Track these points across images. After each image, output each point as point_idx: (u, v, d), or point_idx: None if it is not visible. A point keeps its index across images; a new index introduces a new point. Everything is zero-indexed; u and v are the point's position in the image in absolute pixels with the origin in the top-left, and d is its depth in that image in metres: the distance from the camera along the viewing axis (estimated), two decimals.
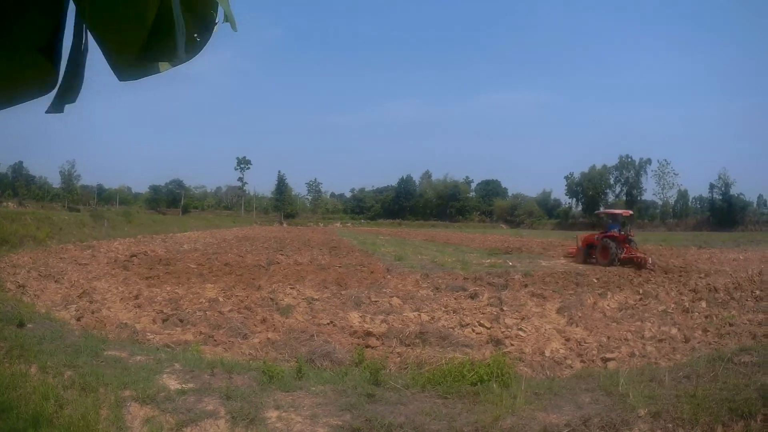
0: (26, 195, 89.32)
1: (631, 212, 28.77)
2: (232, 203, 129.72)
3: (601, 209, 44.68)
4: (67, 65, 1.36)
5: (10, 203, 68.70)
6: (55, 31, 1.31)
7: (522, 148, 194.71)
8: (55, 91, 1.36)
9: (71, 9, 1.30)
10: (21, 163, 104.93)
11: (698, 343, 8.59)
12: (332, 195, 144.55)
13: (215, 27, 1.51)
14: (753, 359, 6.17)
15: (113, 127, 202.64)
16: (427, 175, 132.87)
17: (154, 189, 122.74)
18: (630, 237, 23.54)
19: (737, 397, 4.91)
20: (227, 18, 1.47)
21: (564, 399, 5.53)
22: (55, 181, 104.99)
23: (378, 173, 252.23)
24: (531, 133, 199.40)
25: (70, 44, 1.36)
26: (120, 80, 1.40)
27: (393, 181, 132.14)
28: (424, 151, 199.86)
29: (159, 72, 1.44)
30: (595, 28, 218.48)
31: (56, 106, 1.38)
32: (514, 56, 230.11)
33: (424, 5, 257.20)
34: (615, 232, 23.45)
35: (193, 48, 1.48)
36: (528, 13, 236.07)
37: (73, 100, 1.38)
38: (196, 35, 1.48)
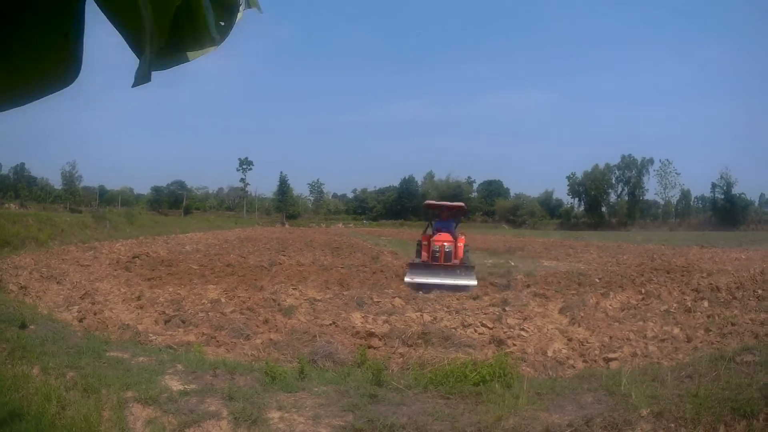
0: (28, 196, 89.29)
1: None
2: (234, 204, 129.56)
3: None
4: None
5: (11, 205, 68.67)
6: (77, 15, 1.21)
7: (524, 148, 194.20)
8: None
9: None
10: (23, 164, 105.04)
11: (700, 342, 8.57)
12: (334, 195, 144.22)
13: (240, 12, 1.49)
14: (755, 359, 6.15)
15: (114, 127, 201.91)
16: (430, 176, 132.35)
17: (156, 190, 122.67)
18: None
19: (739, 397, 4.90)
20: (252, 2, 1.44)
21: (566, 399, 5.52)
22: (57, 183, 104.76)
23: (380, 173, 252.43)
24: (533, 132, 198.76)
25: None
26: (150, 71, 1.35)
27: (395, 182, 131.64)
28: (427, 152, 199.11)
29: (188, 60, 1.41)
30: (598, 29, 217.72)
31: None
32: (516, 57, 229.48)
33: (423, 6, 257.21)
34: None
35: (220, 33, 1.45)
36: (530, 14, 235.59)
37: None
38: (222, 22, 1.45)
